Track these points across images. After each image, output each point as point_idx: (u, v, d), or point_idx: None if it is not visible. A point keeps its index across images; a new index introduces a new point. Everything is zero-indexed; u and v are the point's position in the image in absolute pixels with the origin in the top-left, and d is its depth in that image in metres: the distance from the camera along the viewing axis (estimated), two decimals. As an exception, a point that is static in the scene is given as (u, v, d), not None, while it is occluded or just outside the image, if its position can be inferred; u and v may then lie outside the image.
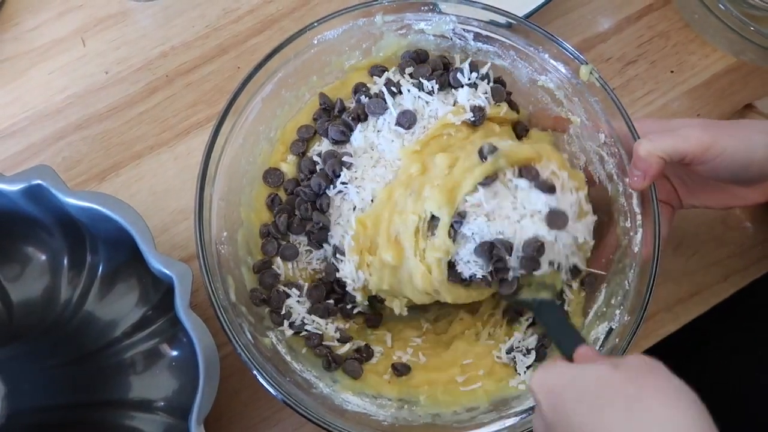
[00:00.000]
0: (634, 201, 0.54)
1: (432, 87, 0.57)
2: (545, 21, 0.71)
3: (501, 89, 0.59)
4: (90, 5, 0.71)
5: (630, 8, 0.74)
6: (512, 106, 0.60)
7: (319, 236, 0.57)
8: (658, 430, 0.37)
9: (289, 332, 0.55)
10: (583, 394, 0.40)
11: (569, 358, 0.46)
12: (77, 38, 0.70)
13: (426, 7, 0.57)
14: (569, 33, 0.72)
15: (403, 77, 0.58)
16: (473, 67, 0.58)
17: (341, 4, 0.70)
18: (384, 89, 0.57)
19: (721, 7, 0.67)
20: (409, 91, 0.57)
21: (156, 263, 0.48)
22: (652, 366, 0.40)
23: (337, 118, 0.59)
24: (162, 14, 0.71)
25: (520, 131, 0.61)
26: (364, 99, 0.58)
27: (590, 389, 0.40)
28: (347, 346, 0.56)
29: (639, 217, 0.54)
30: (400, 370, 0.56)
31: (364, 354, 0.56)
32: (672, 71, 0.72)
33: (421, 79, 0.57)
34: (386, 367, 0.57)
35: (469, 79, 0.57)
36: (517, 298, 0.53)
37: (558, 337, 0.50)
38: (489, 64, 0.58)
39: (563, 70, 0.57)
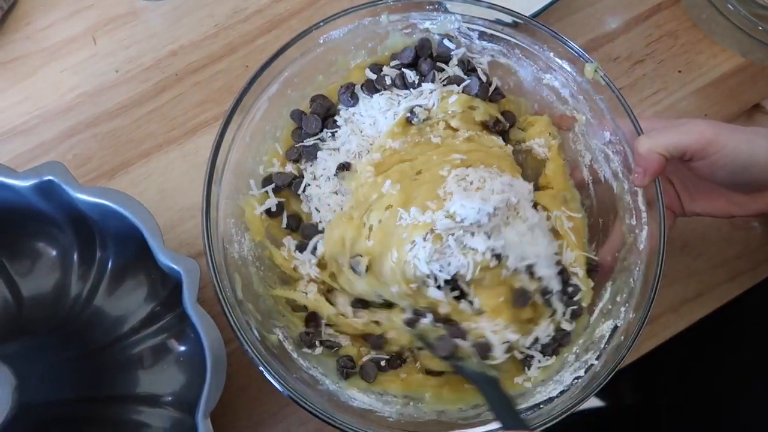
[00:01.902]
0: (640, 198, 0.54)
1: (414, 78, 0.57)
2: (552, 20, 0.71)
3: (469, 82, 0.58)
4: (100, 5, 0.71)
5: (638, 8, 0.74)
6: (492, 99, 0.59)
7: None
8: None
9: (318, 350, 0.55)
10: None
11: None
12: (88, 37, 0.70)
13: (431, 6, 0.57)
14: (577, 32, 0.72)
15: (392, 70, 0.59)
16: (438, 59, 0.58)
17: (349, 3, 0.71)
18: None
19: (730, 6, 0.67)
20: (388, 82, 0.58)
21: (164, 259, 0.48)
22: None
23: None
24: (171, 14, 0.71)
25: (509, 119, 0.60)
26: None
27: None
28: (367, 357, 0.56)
29: (644, 215, 0.54)
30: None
31: (398, 360, 0.56)
32: (680, 71, 0.72)
33: (404, 69, 0.58)
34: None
35: (425, 76, 0.58)
36: (461, 366, 0.52)
37: (500, 413, 0.50)
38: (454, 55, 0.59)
39: (568, 68, 0.57)
